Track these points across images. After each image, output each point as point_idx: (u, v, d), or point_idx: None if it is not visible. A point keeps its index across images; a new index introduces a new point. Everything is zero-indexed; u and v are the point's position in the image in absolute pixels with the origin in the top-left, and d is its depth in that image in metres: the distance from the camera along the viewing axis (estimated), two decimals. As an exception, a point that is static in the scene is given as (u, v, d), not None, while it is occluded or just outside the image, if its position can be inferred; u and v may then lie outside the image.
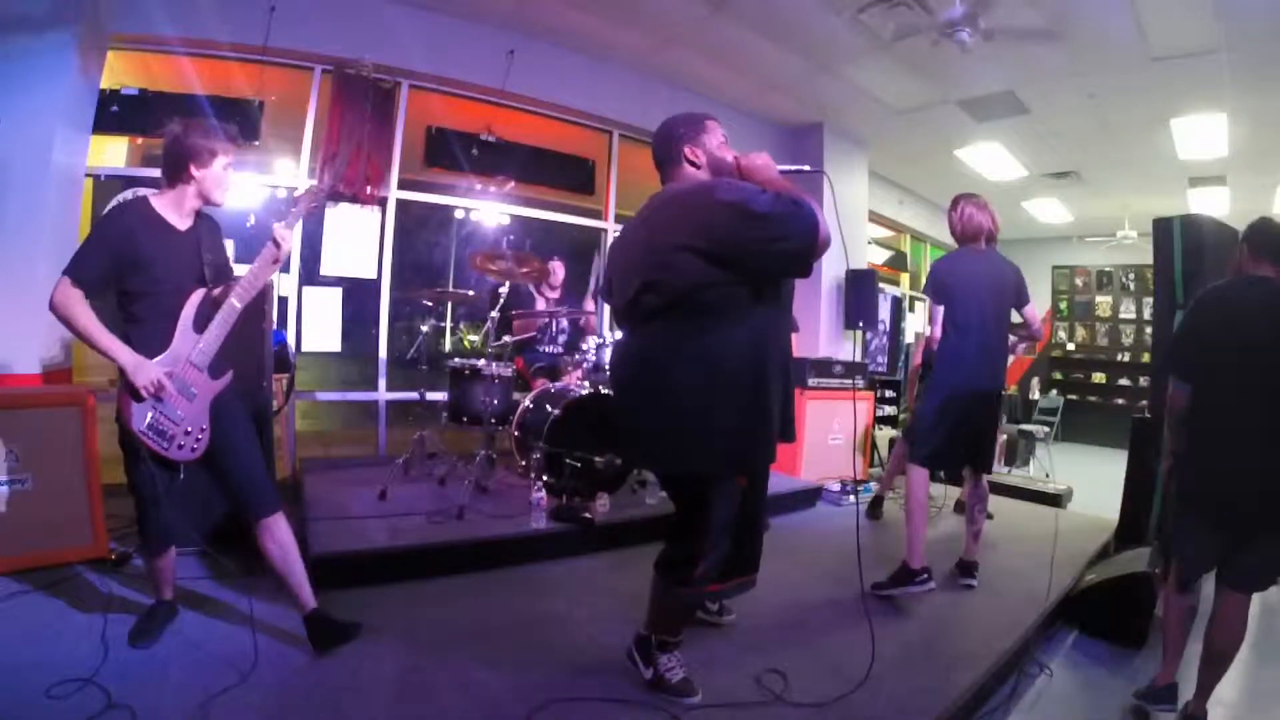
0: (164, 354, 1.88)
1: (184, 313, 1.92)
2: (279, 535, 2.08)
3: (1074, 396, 10.10)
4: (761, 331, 1.76)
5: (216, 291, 2.00)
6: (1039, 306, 10.41)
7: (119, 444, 1.93)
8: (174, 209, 1.97)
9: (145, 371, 1.82)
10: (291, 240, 2.06)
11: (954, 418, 2.88)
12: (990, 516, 4.22)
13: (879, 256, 8.65)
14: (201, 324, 1.93)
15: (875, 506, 4.29)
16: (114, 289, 1.89)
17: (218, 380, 1.99)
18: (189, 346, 1.91)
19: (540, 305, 4.51)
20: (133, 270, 1.87)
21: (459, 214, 6.04)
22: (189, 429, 1.90)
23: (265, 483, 2.10)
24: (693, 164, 1.85)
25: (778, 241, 1.64)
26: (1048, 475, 5.24)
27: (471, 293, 4.37)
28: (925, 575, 2.78)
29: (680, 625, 1.99)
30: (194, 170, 1.94)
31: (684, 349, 1.73)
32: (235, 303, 1.95)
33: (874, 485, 4.53)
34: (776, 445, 1.86)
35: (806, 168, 1.95)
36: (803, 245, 1.65)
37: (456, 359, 4.08)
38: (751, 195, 1.66)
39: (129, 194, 2.96)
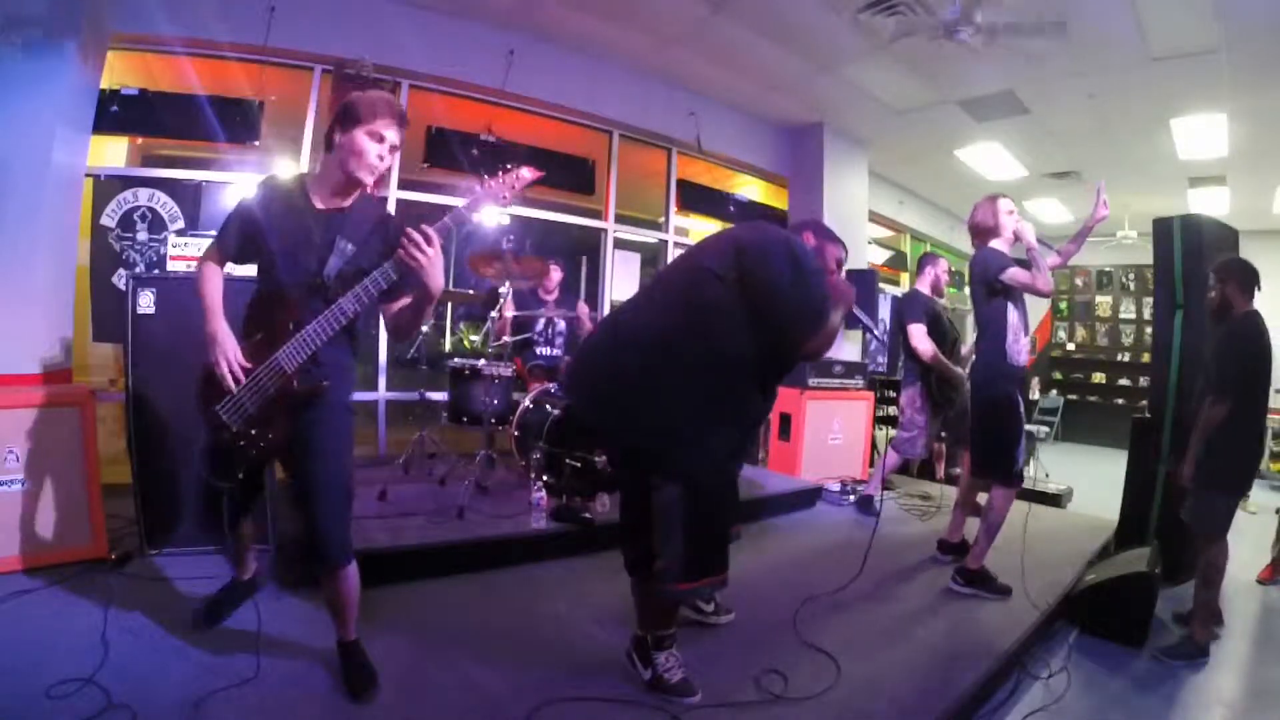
0: (258, 340, 1.72)
1: (287, 304, 1.71)
2: (340, 587, 1.85)
3: (1074, 396, 10.11)
4: (747, 356, 1.89)
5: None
6: (1039, 307, 10.46)
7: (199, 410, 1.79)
8: (321, 183, 1.78)
9: (218, 347, 1.68)
10: (434, 249, 1.66)
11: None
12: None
13: (879, 256, 8.65)
14: (304, 321, 1.70)
15: (867, 505, 4.30)
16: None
17: (303, 388, 1.72)
18: (281, 343, 1.69)
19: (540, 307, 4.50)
20: (255, 245, 1.75)
21: (459, 214, 6.02)
22: (254, 430, 1.71)
23: (330, 537, 1.79)
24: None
25: (788, 305, 1.84)
26: (1048, 475, 5.24)
27: (472, 291, 4.37)
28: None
29: (668, 622, 1.99)
30: (337, 136, 1.74)
31: (672, 339, 1.86)
32: (348, 306, 1.70)
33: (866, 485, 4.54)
34: (734, 459, 2.08)
35: (876, 330, 2.25)
36: (796, 334, 1.88)
37: (456, 359, 4.08)
38: (812, 268, 1.88)
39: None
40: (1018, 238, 2.92)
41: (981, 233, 2.96)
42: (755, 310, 1.84)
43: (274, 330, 1.71)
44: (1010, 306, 2.85)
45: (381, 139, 1.73)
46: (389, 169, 1.80)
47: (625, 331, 2.00)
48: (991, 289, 2.84)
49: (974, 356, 3.07)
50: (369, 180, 1.77)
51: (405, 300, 1.81)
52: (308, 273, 1.72)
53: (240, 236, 1.78)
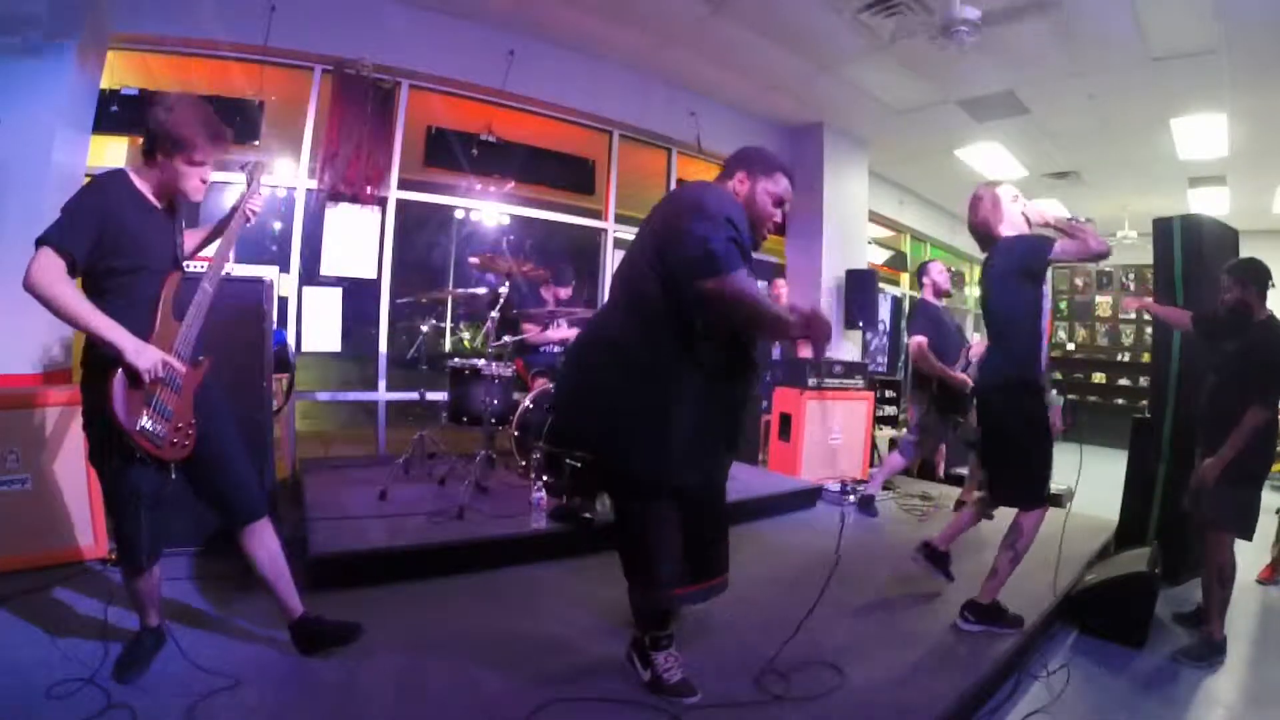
0: (151, 343, 1.71)
1: (164, 297, 1.75)
2: (267, 541, 1.97)
3: (1074, 396, 10.10)
4: (708, 361, 1.81)
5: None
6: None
7: (95, 450, 1.74)
8: (151, 188, 1.81)
9: (148, 354, 1.64)
10: (258, 210, 2.02)
11: None
12: (990, 517, 4.23)
13: (879, 256, 8.66)
14: (180, 311, 1.79)
15: (868, 504, 4.30)
16: (90, 266, 1.68)
17: (197, 370, 1.83)
18: (173, 334, 1.75)
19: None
20: (115, 246, 1.68)
21: (459, 214, 6.02)
22: (179, 424, 1.75)
23: (253, 485, 1.96)
24: (735, 190, 1.93)
25: (683, 258, 1.71)
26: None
27: (482, 290, 4.35)
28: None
29: (663, 623, 1.98)
30: (158, 155, 1.76)
31: (623, 342, 1.83)
32: (207, 287, 1.84)
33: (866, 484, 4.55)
34: (718, 468, 1.99)
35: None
36: (683, 270, 1.71)
37: (456, 359, 4.08)
38: (711, 222, 1.71)
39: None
40: (1031, 224, 2.55)
41: (989, 226, 2.58)
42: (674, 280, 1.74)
43: (163, 328, 1.74)
44: (1045, 303, 2.51)
45: (202, 164, 1.79)
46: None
47: (591, 336, 2.02)
48: (1032, 276, 2.45)
49: (987, 360, 2.67)
50: (197, 199, 1.86)
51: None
52: (167, 267, 1.80)
53: (97, 240, 1.66)
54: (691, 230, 1.71)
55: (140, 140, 1.81)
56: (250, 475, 1.97)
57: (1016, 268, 2.46)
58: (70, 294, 1.62)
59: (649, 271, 1.79)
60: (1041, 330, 2.51)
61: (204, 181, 1.82)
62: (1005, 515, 2.77)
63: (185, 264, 1.91)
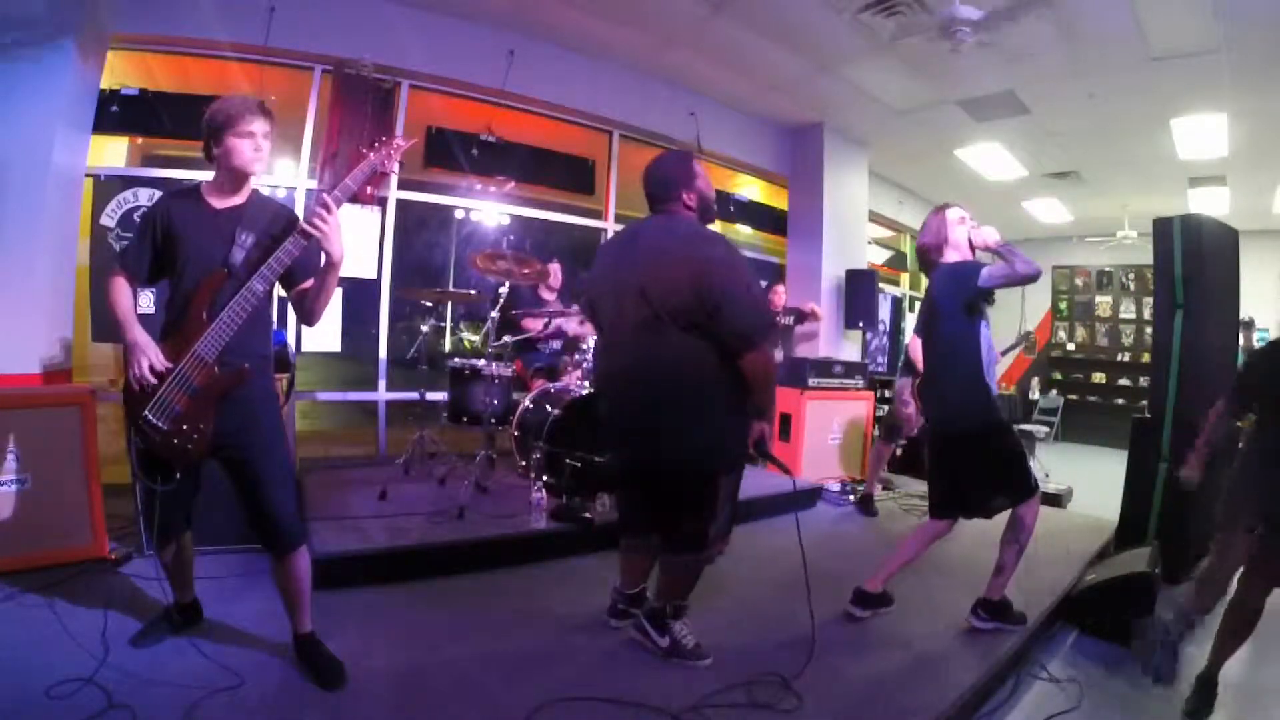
0: (175, 340, 1.78)
1: (200, 295, 1.79)
2: (298, 568, 1.96)
3: (1074, 396, 10.10)
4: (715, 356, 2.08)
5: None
6: (1039, 307, 10.45)
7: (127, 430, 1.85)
8: (215, 190, 1.90)
9: (137, 353, 1.74)
10: (335, 214, 1.81)
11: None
12: (988, 516, 4.23)
13: (879, 256, 8.65)
14: (216, 311, 1.78)
15: (867, 504, 4.30)
16: (156, 268, 1.88)
17: (226, 374, 1.79)
18: (197, 333, 1.76)
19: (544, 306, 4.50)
20: (167, 252, 1.85)
21: (459, 214, 6.02)
22: (185, 426, 1.76)
23: (286, 516, 1.93)
24: (688, 207, 2.12)
25: (746, 306, 1.97)
26: (1048, 475, 5.24)
27: (474, 292, 4.36)
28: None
29: (687, 591, 2.23)
30: (213, 149, 1.86)
31: (710, 365, 1.98)
32: (257, 286, 1.79)
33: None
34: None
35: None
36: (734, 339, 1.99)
37: (456, 359, 4.07)
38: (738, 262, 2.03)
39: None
40: (976, 248, 2.56)
41: (933, 251, 2.62)
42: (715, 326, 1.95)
43: (189, 326, 1.78)
44: (984, 325, 2.52)
45: (251, 134, 1.84)
46: (268, 157, 1.93)
47: (634, 371, 2.06)
48: (971, 306, 2.47)
49: (930, 389, 2.67)
50: (257, 170, 1.88)
51: (309, 282, 1.93)
52: (213, 266, 1.82)
53: (150, 259, 1.87)
54: (749, 288, 1.99)
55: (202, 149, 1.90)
56: (285, 505, 1.93)
57: (958, 296, 2.48)
58: (119, 302, 1.84)
59: (693, 341, 1.96)
60: (986, 360, 2.49)
61: (258, 150, 1.86)
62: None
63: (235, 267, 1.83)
